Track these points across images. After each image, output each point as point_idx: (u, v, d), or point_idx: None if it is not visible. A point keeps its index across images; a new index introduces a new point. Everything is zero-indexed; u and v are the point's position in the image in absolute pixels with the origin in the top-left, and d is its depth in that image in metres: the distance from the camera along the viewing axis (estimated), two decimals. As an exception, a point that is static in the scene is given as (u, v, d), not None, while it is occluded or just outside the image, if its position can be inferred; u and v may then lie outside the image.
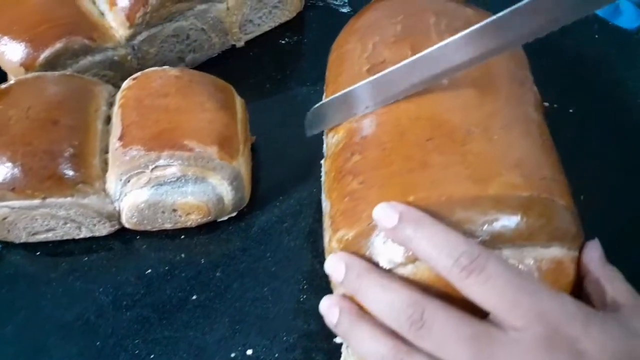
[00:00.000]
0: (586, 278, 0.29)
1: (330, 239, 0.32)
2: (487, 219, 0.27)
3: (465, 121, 0.30)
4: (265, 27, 0.57)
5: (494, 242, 0.27)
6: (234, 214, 0.44)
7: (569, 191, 0.31)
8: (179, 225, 0.43)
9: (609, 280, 0.28)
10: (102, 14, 0.47)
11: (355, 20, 0.40)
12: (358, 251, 0.29)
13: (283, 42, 0.58)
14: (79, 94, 0.41)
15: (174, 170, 0.39)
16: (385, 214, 0.27)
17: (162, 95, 0.40)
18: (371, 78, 0.32)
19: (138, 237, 0.44)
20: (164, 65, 0.52)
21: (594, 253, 0.29)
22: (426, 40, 0.34)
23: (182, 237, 0.44)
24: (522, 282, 0.25)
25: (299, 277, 0.42)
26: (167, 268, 0.42)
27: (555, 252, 0.28)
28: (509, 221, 0.27)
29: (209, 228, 0.44)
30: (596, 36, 0.59)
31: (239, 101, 0.45)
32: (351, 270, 0.28)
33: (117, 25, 0.46)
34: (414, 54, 0.33)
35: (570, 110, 0.53)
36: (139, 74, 0.42)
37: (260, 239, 0.44)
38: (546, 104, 0.54)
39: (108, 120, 0.42)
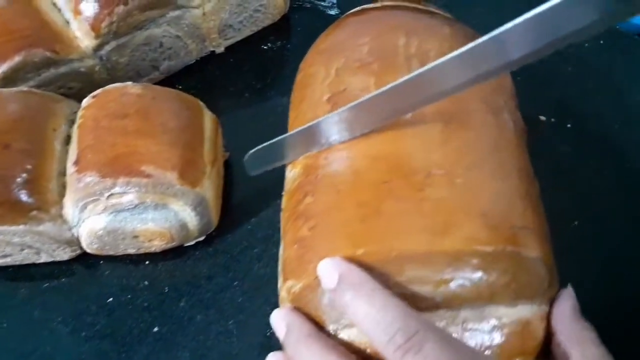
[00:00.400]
0: (554, 338, 0.26)
1: (281, 286, 0.29)
2: (442, 277, 0.24)
3: (426, 162, 0.27)
4: (247, 32, 0.54)
5: (449, 303, 0.25)
6: (201, 238, 0.42)
7: (545, 237, 0.28)
8: (142, 251, 0.41)
9: (577, 342, 0.25)
10: (68, 22, 0.45)
11: (323, 39, 0.37)
12: (305, 306, 0.27)
13: (265, 47, 0.55)
14: (35, 112, 0.39)
15: (130, 197, 0.36)
16: (326, 272, 0.25)
17: (120, 116, 0.37)
18: (323, 118, 0.29)
19: (101, 262, 0.42)
20: (137, 74, 0.50)
21: (564, 308, 0.26)
22: (392, 66, 0.31)
23: (147, 262, 0.42)
24: None
25: (267, 309, 0.39)
26: (129, 296, 0.40)
27: (522, 311, 0.26)
28: (467, 281, 0.24)
29: (175, 253, 0.42)
30: (601, 42, 0.55)
31: (208, 118, 0.42)
32: (291, 332, 0.26)
33: (82, 35, 0.44)
34: (377, 81, 0.30)
35: (568, 125, 0.49)
36: (99, 91, 0.40)
37: (229, 266, 0.42)
38: (542, 117, 0.50)
39: (68, 139, 0.40)
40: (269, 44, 0.55)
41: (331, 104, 0.31)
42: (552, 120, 0.50)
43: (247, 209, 0.44)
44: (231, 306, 0.40)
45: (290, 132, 0.32)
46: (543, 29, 0.22)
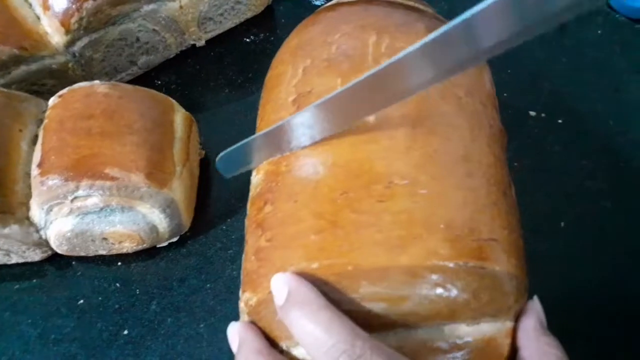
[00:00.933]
0: (518, 354, 0.24)
1: (240, 296, 0.28)
2: (398, 294, 0.23)
3: (388, 170, 0.25)
4: (229, 24, 0.53)
5: (406, 322, 0.23)
6: (174, 239, 0.41)
7: (515, 250, 0.26)
8: (114, 252, 0.40)
9: (541, 358, 0.24)
10: (38, 18, 0.43)
11: (294, 36, 0.35)
12: (260, 321, 0.26)
13: (248, 40, 0.54)
14: (0, 112, 0.38)
15: (95, 200, 0.35)
16: (277, 288, 0.24)
17: (85, 116, 0.36)
18: (282, 121, 0.27)
19: (74, 263, 0.41)
20: (114, 69, 0.49)
21: (529, 322, 0.25)
22: (360, 66, 0.29)
23: (119, 263, 0.41)
24: None
25: (238, 314, 0.38)
26: (100, 298, 0.40)
27: (485, 328, 0.24)
28: (424, 298, 0.23)
29: (148, 254, 0.41)
30: (599, 31, 0.53)
31: (181, 116, 0.41)
32: (242, 347, 0.25)
33: (52, 32, 0.43)
34: (343, 82, 0.29)
35: (560, 121, 0.47)
36: (65, 90, 0.39)
37: (201, 268, 0.41)
38: (532, 112, 0.48)
39: (37, 139, 0.39)
40: (251, 37, 0.54)
41: (296, 105, 0.29)
42: (543, 115, 0.48)
43: (223, 209, 0.43)
44: (202, 309, 0.39)
45: (257, 134, 0.30)
46: (520, 9, 0.20)
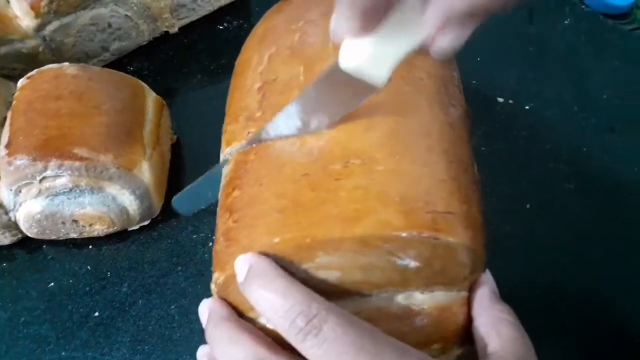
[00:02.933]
0: (473, 323, 0.25)
1: (211, 278, 0.29)
2: (350, 263, 0.24)
3: (345, 152, 0.26)
4: (203, 12, 0.53)
5: (360, 290, 0.24)
6: (146, 222, 0.41)
7: (474, 224, 0.27)
8: (85, 235, 0.40)
9: (494, 325, 0.25)
10: (8, 1, 0.43)
11: (262, 23, 0.36)
12: (228, 296, 0.27)
13: (221, 27, 0.54)
14: (-32, 95, 0.38)
15: (64, 181, 0.36)
16: (239, 265, 0.25)
17: (54, 97, 0.37)
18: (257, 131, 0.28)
19: (44, 246, 0.41)
20: (85, 55, 0.48)
21: (482, 292, 0.26)
22: (321, 54, 0.30)
23: (90, 246, 0.41)
24: (362, 345, 0.21)
25: (209, 295, 0.39)
26: (70, 281, 0.40)
27: (440, 297, 0.25)
28: (376, 267, 0.24)
29: (119, 237, 0.41)
30: (566, 21, 0.54)
31: (152, 100, 0.41)
32: (211, 317, 0.25)
33: (22, 15, 0.43)
34: (305, 70, 0.29)
35: (527, 107, 0.48)
36: (34, 72, 0.39)
37: (172, 251, 0.41)
38: (500, 99, 0.50)
39: (4, 122, 0.39)
40: (225, 24, 0.54)
41: (261, 93, 0.30)
42: (510, 102, 0.49)
43: (195, 193, 0.44)
44: (174, 291, 0.39)
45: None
46: None
